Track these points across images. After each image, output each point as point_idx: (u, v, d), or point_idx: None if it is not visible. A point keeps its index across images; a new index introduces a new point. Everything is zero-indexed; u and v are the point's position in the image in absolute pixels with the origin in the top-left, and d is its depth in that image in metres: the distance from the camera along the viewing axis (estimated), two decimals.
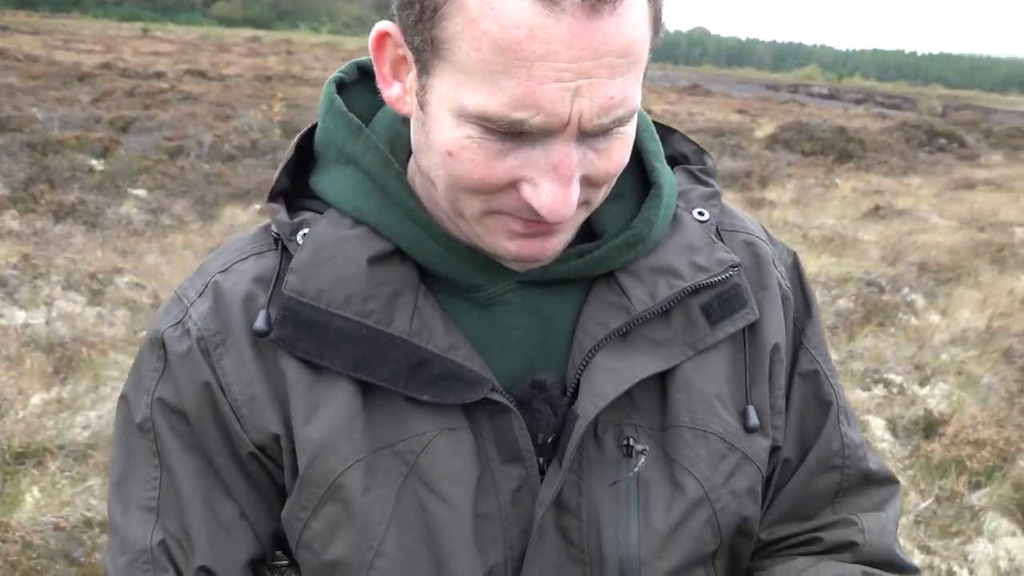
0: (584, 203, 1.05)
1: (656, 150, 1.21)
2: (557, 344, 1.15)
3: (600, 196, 1.07)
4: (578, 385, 1.12)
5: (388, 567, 1.08)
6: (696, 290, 1.16)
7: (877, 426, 5.72)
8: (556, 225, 1.04)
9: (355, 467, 1.08)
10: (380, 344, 1.08)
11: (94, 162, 12.43)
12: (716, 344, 1.17)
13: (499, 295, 1.14)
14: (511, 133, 0.96)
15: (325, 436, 1.08)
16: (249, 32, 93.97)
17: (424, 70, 1.00)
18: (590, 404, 1.10)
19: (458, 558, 1.09)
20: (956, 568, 4.22)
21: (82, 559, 3.61)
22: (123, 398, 1.18)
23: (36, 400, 5.32)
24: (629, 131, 1.03)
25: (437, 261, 1.12)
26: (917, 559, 4.28)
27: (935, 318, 8.12)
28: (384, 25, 1.05)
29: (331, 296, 1.09)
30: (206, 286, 1.16)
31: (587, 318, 1.14)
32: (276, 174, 1.18)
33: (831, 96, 58.94)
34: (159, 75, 27.35)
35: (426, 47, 0.98)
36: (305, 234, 1.12)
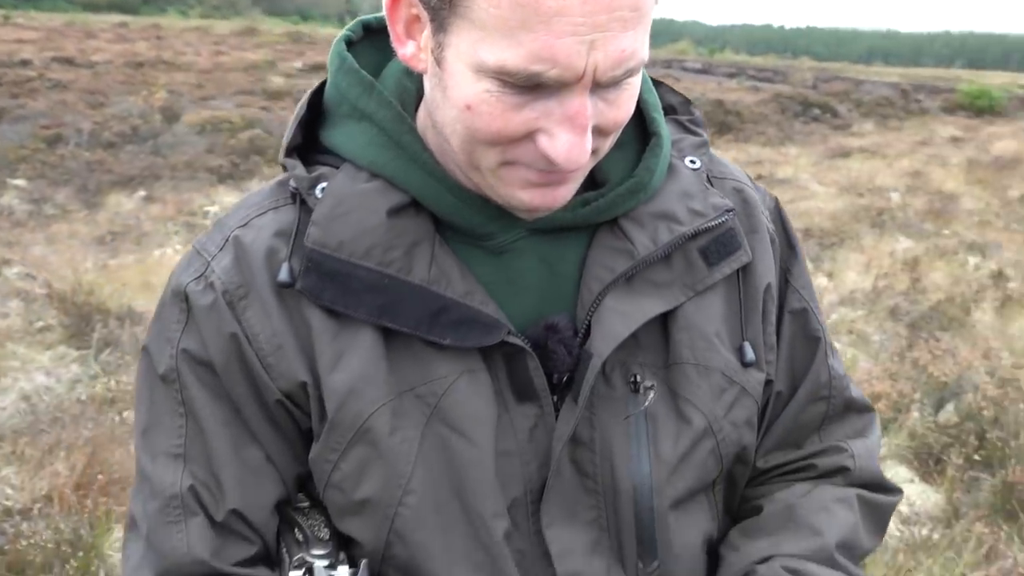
0: (593, 152, 1.09)
1: (654, 101, 1.26)
2: (565, 288, 1.19)
3: (607, 145, 1.12)
4: (589, 326, 1.17)
5: (416, 503, 1.12)
6: (694, 234, 1.21)
7: None
8: (568, 174, 1.08)
9: (382, 410, 1.12)
10: (401, 292, 1.11)
11: None
12: (713, 285, 1.23)
13: (510, 243, 1.18)
14: (528, 86, 1.00)
15: (352, 382, 1.11)
16: (116, 17, 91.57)
17: (441, 28, 1.03)
18: (603, 343, 1.15)
19: (482, 493, 1.13)
20: None
21: (6, 547, 3.55)
22: (145, 350, 1.20)
23: None
24: (636, 82, 1.07)
25: (451, 211, 1.15)
26: None
27: (823, 280, 8.38)
28: None
29: (353, 247, 1.11)
30: (226, 241, 1.18)
31: (594, 263, 1.19)
32: (290, 130, 1.20)
33: (704, 71, 59.73)
34: (25, 63, 26.51)
35: (443, 5, 1.01)
36: (324, 188, 1.15)
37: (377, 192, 1.14)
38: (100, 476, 4.04)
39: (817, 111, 23.05)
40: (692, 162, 1.27)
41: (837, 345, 6.24)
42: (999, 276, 8.62)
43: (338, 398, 1.12)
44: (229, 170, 12.29)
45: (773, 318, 1.30)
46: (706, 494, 1.26)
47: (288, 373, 1.14)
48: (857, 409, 1.39)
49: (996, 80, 43.99)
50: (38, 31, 50.31)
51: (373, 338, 1.12)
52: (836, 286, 8.15)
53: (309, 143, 1.22)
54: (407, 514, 1.13)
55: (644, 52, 1.03)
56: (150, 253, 8.65)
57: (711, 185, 1.28)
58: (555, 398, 1.17)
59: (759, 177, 13.29)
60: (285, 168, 1.21)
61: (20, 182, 10.70)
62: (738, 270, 1.25)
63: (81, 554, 3.56)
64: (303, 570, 1.14)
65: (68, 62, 28.13)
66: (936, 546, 4.10)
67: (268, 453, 1.17)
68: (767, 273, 1.28)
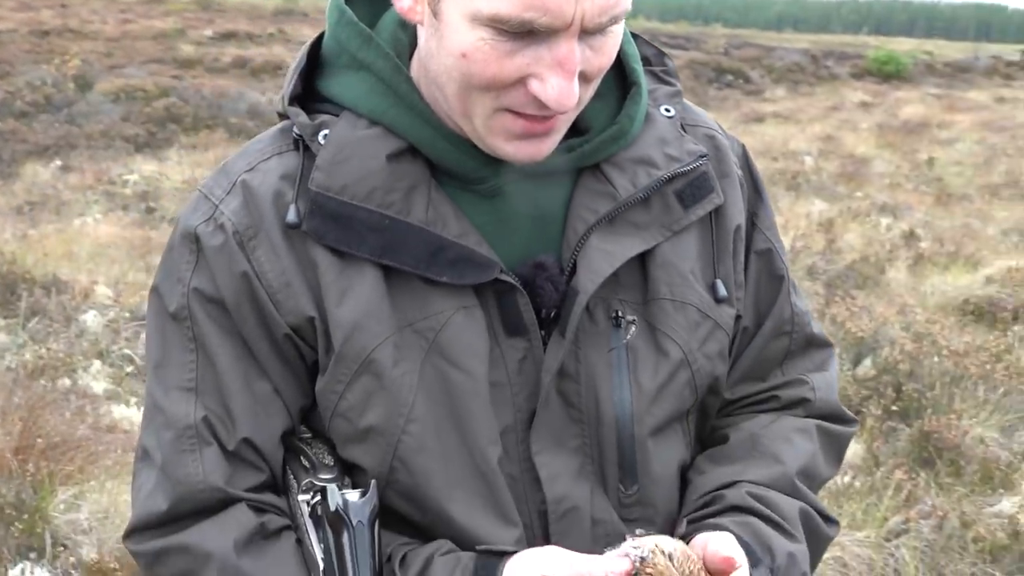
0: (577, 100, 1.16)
1: (633, 52, 1.33)
2: (552, 229, 1.27)
3: (589, 93, 1.20)
4: (575, 265, 1.25)
5: (419, 431, 1.21)
6: (670, 178, 1.30)
7: None
8: (552, 122, 1.17)
9: (385, 344, 1.19)
10: (401, 232, 1.19)
11: None
12: (688, 226, 1.32)
13: (500, 187, 1.26)
14: (520, 33, 1.08)
15: (357, 316, 1.19)
16: None
17: None
18: (588, 280, 1.23)
19: (477, 422, 1.22)
20: None
21: None
22: (154, 290, 1.26)
23: None
24: (619, 30, 1.16)
25: (446, 157, 1.23)
26: None
27: None
28: None
29: (355, 190, 1.19)
30: (233, 184, 1.24)
31: (578, 205, 1.27)
32: (290, 80, 1.26)
33: None
34: None
35: None
36: (326, 135, 1.22)
37: (377, 138, 1.21)
38: (39, 440, 4.04)
39: (730, 77, 23.35)
40: (667, 110, 1.35)
41: None
42: (911, 236, 8.90)
43: (344, 331, 1.19)
44: (146, 139, 12.16)
45: (742, 257, 1.38)
46: (680, 423, 1.35)
47: (296, 308, 1.21)
48: (818, 344, 1.49)
49: (902, 47, 44.89)
50: None
51: (375, 276, 1.20)
52: None
53: (307, 93, 1.28)
54: (409, 441, 1.21)
55: (627, 1, 1.11)
56: (70, 223, 8.56)
57: (685, 132, 1.36)
58: (543, 332, 1.25)
59: None
60: (282, 117, 1.28)
61: None
62: (711, 212, 1.34)
63: (26, 517, 3.57)
64: (312, 493, 1.21)
65: None
66: (858, 492, 4.27)
67: (276, 386, 1.24)
68: (737, 215, 1.37)
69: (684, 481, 1.38)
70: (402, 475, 1.22)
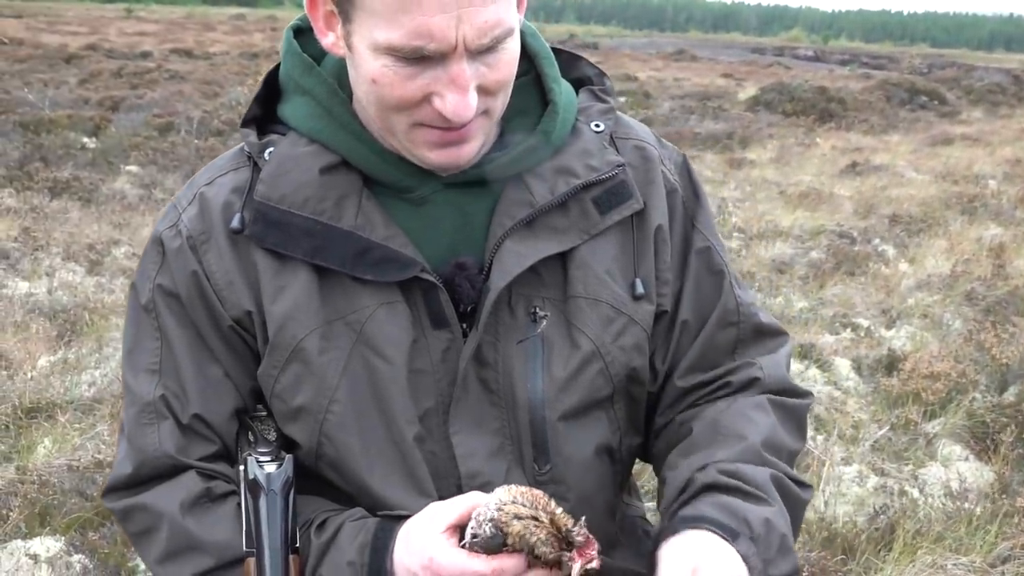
0: (484, 112, 1.35)
1: (553, 74, 1.50)
2: (477, 234, 1.45)
3: (498, 105, 1.37)
4: (492, 265, 1.42)
5: (341, 410, 1.40)
6: (588, 185, 1.45)
7: (843, 366, 6.01)
8: (464, 131, 1.34)
9: (313, 334, 1.39)
10: (332, 236, 1.38)
11: (86, 140, 12.68)
12: (607, 230, 1.47)
13: (428, 195, 1.44)
14: (416, 59, 1.26)
15: (288, 310, 1.39)
16: (234, 10, 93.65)
17: (347, 19, 1.30)
18: (499, 278, 1.40)
19: (396, 403, 1.40)
20: (908, 488, 4.52)
21: (94, 495, 3.90)
22: (132, 286, 1.50)
23: (43, 362, 5.60)
24: (512, 47, 1.33)
25: (376, 169, 1.42)
26: (871, 481, 4.58)
27: (904, 266, 8.42)
28: None
29: (292, 199, 1.39)
30: (194, 196, 1.47)
31: (500, 212, 1.44)
32: (249, 104, 1.49)
33: (816, 58, 58.94)
34: (145, 55, 27.47)
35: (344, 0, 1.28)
36: (271, 152, 1.43)
37: (312, 154, 1.41)
38: None
39: (924, 98, 22.68)
40: (596, 126, 1.51)
41: (908, 328, 6.35)
42: None
43: (277, 323, 1.40)
44: None
45: (666, 257, 1.52)
46: (604, 410, 1.49)
47: (237, 303, 1.42)
48: (769, 334, 1.61)
49: None
50: (159, 24, 51.83)
51: (308, 276, 1.40)
52: (915, 271, 8.18)
53: (269, 116, 1.49)
54: (333, 419, 1.40)
55: (510, 21, 1.29)
56: None
57: (614, 145, 1.51)
58: (464, 325, 1.42)
59: (853, 165, 13.27)
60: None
61: (133, 168, 11.22)
62: (632, 217, 1.48)
63: None
64: (244, 464, 1.42)
65: (186, 54, 29.03)
66: (978, 518, 4.22)
67: (226, 369, 1.46)
68: (659, 217, 1.50)
69: (615, 463, 1.52)
70: (328, 449, 1.42)
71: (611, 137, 1.53)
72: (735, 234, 9.43)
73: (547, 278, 1.45)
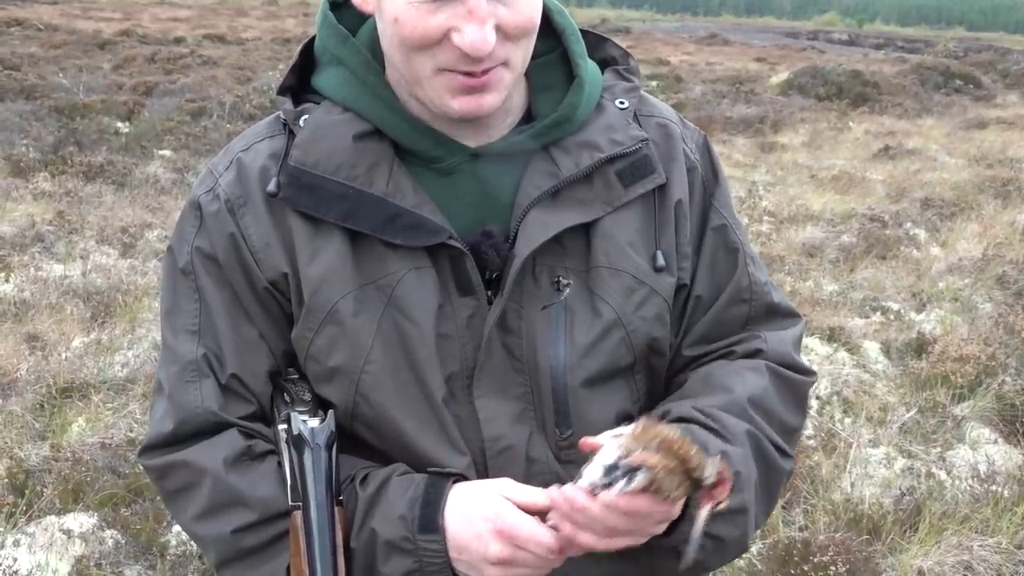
0: (505, 64, 1.37)
1: (580, 50, 1.53)
2: (503, 205, 1.48)
3: (518, 56, 1.39)
4: (517, 233, 1.45)
5: (376, 370, 1.43)
6: (612, 159, 1.49)
7: (872, 349, 6.01)
8: (485, 78, 1.37)
9: (347, 297, 1.43)
10: (363, 201, 1.42)
11: (120, 125, 12.79)
12: (630, 203, 1.49)
13: (456, 166, 1.47)
14: None
15: (323, 273, 1.43)
16: None
17: None
18: (524, 245, 1.43)
19: (424, 364, 1.43)
20: (935, 471, 4.52)
21: (127, 472, 3.97)
22: (169, 249, 1.54)
23: (77, 343, 5.69)
24: None
25: (407, 138, 1.46)
26: (899, 463, 4.59)
27: (935, 250, 8.39)
28: None
29: (325, 165, 1.43)
30: (231, 162, 1.51)
31: (526, 183, 1.47)
32: (285, 74, 1.53)
33: (851, 42, 58.53)
34: (178, 41, 27.63)
35: None
36: (306, 119, 1.46)
37: (346, 122, 1.45)
38: None
39: (959, 82, 22.48)
40: (621, 103, 1.54)
41: (938, 312, 6.34)
42: None
43: (312, 286, 1.43)
44: None
45: (687, 232, 1.55)
46: (625, 379, 1.52)
47: (274, 265, 1.45)
48: (781, 313, 1.64)
49: None
50: (192, 10, 51.96)
51: (342, 241, 1.43)
52: (947, 255, 8.15)
53: (304, 86, 1.53)
54: (368, 379, 1.44)
55: None
56: None
57: (637, 122, 1.54)
58: (489, 293, 1.46)
59: (886, 149, 13.20)
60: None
61: (166, 152, 11.32)
62: (655, 191, 1.52)
63: None
64: (285, 422, 1.45)
65: (219, 39, 29.18)
66: (1007, 500, 4.22)
67: (260, 331, 1.49)
68: (680, 192, 1.54)
69: None
70: (364, 408, 1.45)
71: (635, 114, 1.56)
72: (765, 218, 9.42)
73: (570, 249, 1.48)
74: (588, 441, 1.30)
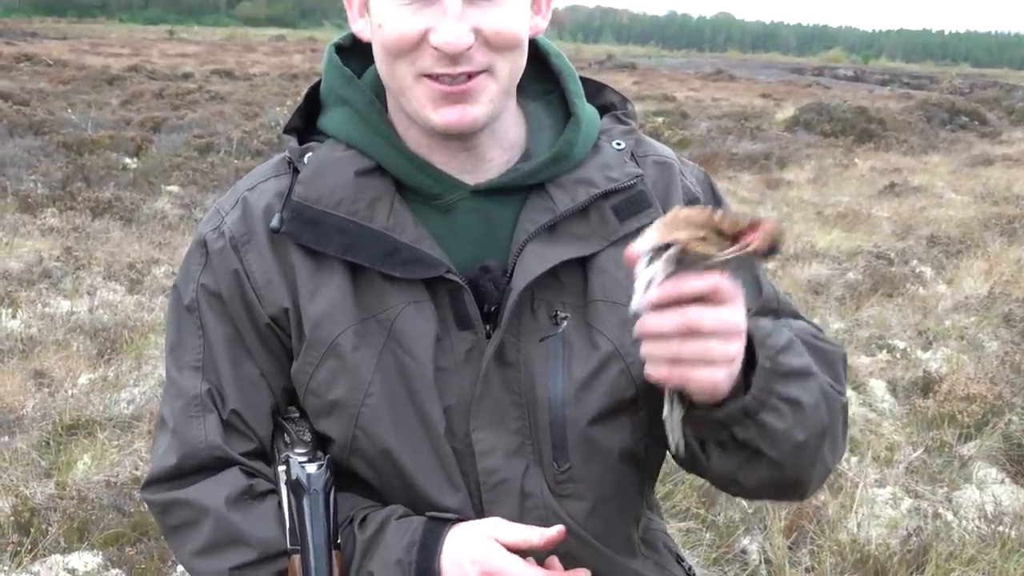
0: (488, 71, 1.40)
1: (576, 90, 1.58)
2: (501, 241, 1.51)
3: (503, 67, 1.42)
4: (515, 267, 1.48)
5: (375, 403, 1.45)
6: (607, 194, 1.52)
7: (878, 387, 6.00)
8: (466, 87, 1.39)
9: (347, 331, 1.45)
10: (363, 235, 1.45)
11: (128, 161, 12.85)
12: (626, 236, 1.49)
13: (456, 202, 1.51)
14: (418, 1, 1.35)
15: (325, 309, 1.46)
16: (274, 31, 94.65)
17: None
18: (520, 279, 1.46)
19: (424, 397, 1.45)
20: (942, 511, 4.50)
21: (132, 510, 3.97)
22: (174, 287, 1.57)
23: (83, 379, 5.69)
24: (512, 5, 1.39)
25: (407, 175, 1.49)
26: (905, 503, 4.57)
27: (942, 288, 8.38)
28: None
29: (327, 200, 1.46)
30: (237, 201, 1.54)
31: (524, 219, 1.50)
32: (291, 116, 1.57)
33: (856, 78, 58.79)
34: (186, 76, 27.82)
35: None
36: (309, 156, 1.50)
37: (348, 158, 1.49)
38: None
39: (965, 119, 22.56)
40: (618, 144, 1.58)
41: (945, 350, 6.33)
42: None
43: (313, 321, 1.46)
44: None
45: None
46: (628, 414, 1.52)
47: (275, 301, 1.48)
48: (807, 319, 1.63)
49: None
50: (200, 45, 52.45)
51: (343, 276, 1.46)
52: (953, 293, 8.15)
53: (310, 127, 1.58)
54: (368, 412, 1.46)
55: None
56: None
57: (634, 161, 1.58)
58: (487, 327, 1.48)
59: (891, 185, 13.23)
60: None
61: (173, 188, 11.36)
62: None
63: None
64: (284, 464, 1.48)
65: (227, 75, 29.34)
66: (1014, 541, 4.20)
67: (261, 368, 1.52)
68: None
69: (638, 469, 1.56)
70: (363, 442, 1.47)
71: (631, 154, 1.59)
72: None
73: (568, 284, 1.50)
74: (631, 252, 1.25)
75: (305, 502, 1.43)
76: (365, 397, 1.45)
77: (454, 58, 1.36)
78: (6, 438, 4.89)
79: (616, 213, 1.52)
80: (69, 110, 16.62)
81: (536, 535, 1.37)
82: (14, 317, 6.70)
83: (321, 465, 1.45)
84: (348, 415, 1.46)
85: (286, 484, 1.47)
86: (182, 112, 17.55)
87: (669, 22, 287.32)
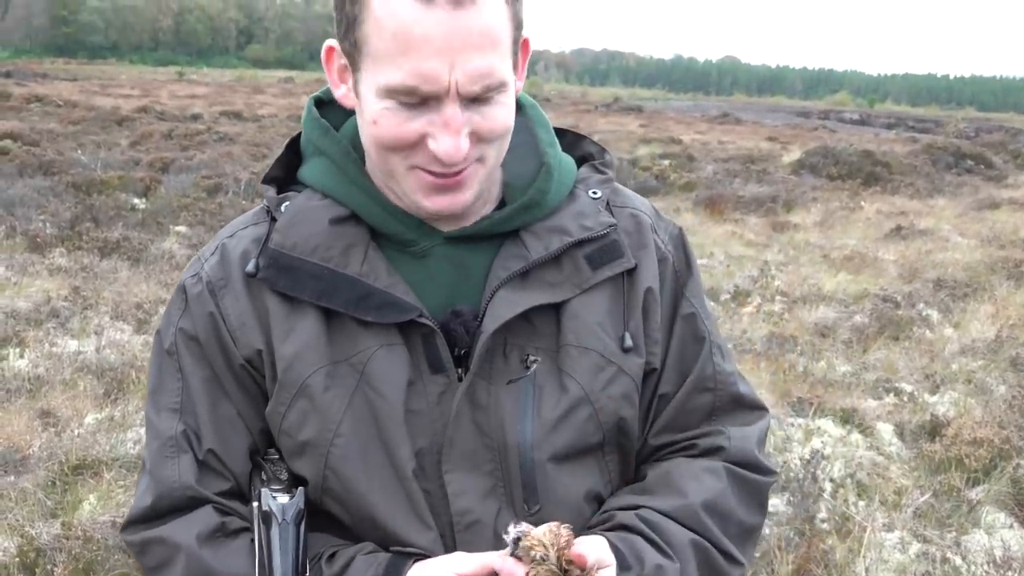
0: (480, 160, 1.44)
1: (549, 139, 1.61)
2: (474, 287, 1.53)
3: (492, 154, 1.46)
4: (486, 311, 1.50)
5: (345, 444, 1.48)
6: (581, 243, 1.54)
7: (886, 431, 5.99)
8: (459, 177, 1.43)
9: (318, 372, 1.48)
10: (337, 281, 1.48)
11: (136, 201, 12.93)
12: (599, 285, 1.55)
13: (429, 249, 1.53)
14: (414, 104, 1.37)
15: (297, 350, 1.48)
16: (283, 73, 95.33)
17: (355, 68, 1.42)
18: (491, 322, 1.48)
19: (394, 439, 1.47)
20: (951, 556, 4.48)
21: None
22: (157, 333, 1.60)
23: (90, 419, 5.70)
24: (505, 101, 1.42)
25: (382, 223, 1.52)
26: (913, 548, 4.55)
27: (948, 331, 8.38)
28: (330, 42, 1.48)
29: (303, 247, 1.49)
30: (216, 247, 1.58)
31: (497, 265, 1.53)
32: (271, 165, 1.60)
33: (862, 122, 59.01)
34: (196, 117, 28.02)
35: (353, 50, 1.40)
36: (286, 205, 1.53)
37: (323, 207, 1.52)
38: None
39: (970, 162, 22.64)
40: (594, 193, 1.61)
41: (952, 394, 6.32)
42: None
43: (286, 362, 1.49)
44: None
45: (656, 318, 1.60)
46: (595, 458, 1.56)
47: (249, 343, 1.51)
48: (747, 406, 1.68)
49: None
50: (209, 86, 52.79)
51: (316, 319, 1.49)
52: (960, 336, 8.14)
53: (290, 178, 1.60)
54: (337, 452, 1.48)
55: (502, 73, 1.39)
56: None
57: (609, 211, 1.61)
58: (460, 370, 1.50)
59: (898, 229, 13.26)
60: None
61: (181, 228, 11.42)
62: (624, 275, 1.57)
63: None
64: (257, 499, 1.49)
65: (236, 116, 29.56)
66: None
67: (238, 409, 1.54)
68: (650, 279, 1.59)
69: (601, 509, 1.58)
70: (333, 482, 1.49)
71: (607, 204, 1.62)
72: (777, 297, 9.43)
73: (540, 329, 1.53)
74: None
75: (274, 531, 1.45)
76: (334, 437, 1.48)
77: (451, 164, 1.40)
78: (12, 477, 4.90)
79: (589, 261, 1.55)
80: (79, 150, 16.74)
81: (497, 558, 1.38)
82: (22, 356, 6.72)
83: (292, 497, 1.48)
84: (318, 455, 1.49)
85: (258, 517, 1.48)
86: (191, 153, 17.67)
87: (675, 65, 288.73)
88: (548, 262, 1.53)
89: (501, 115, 1.42)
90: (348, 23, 1.40)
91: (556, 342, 1.53)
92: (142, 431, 5.41)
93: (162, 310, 7.72)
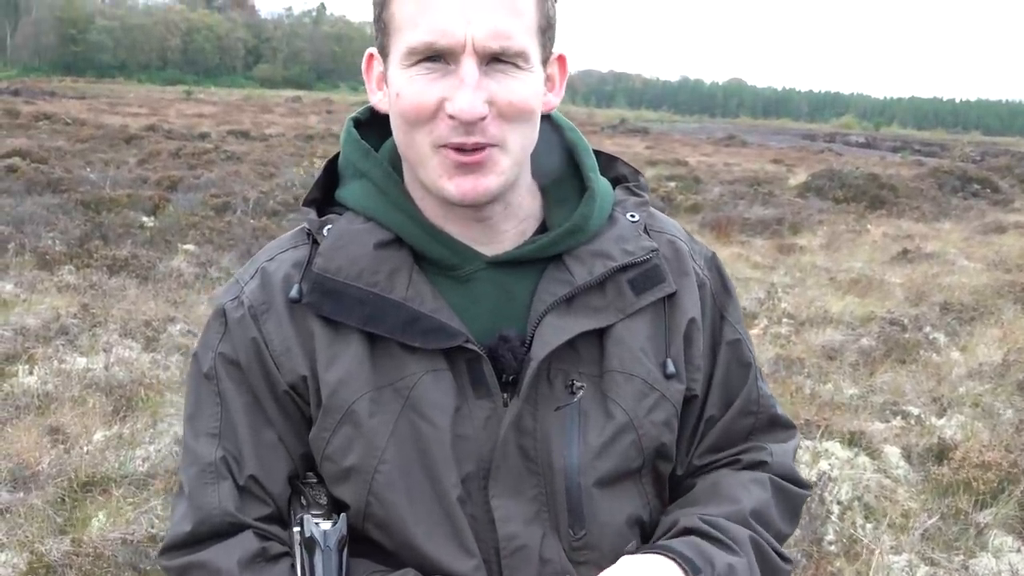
0: (500, 146, 1.43)
1: (591, 164, 1.62)
2: (519, 311, 1.54)
3: (515, 140, 1.45)
4: (533, 338, 1.51)
5: (389, 470, 1.47)
6: (624, 268, 1.55)
7: (893, 454, 5.98)
8: (479, 157, 1.42)
9: (363, 398, 1.48)
10: (383, 306, 1.48)
11: (145, 219, 12.97)
12: (642, 310, 1.56)
13: (473, 273, 1.54)
14: (432, 60, 1.39)
15: (342, 376, 1.48)
16: (290, 92, 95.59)
17: (386, 54, 1.45)
18: (539, 349, 1.49)
19: (440, 465, 1.47)
20: None
21: (147, 568, 3.97)
22: (194, 356, 1.59)
23: (99, 436, 5.71)
24: (527, 79, 1.43)
25: (425, 247, 1.52)
26: (921, 571, 4.56)
27: (955, 355, 8.38)
28: (370, 49, 1.50)
29: (347, 272, 1.49)
30: (256, 271, 1.57)
31: (542, 290, 1.53)
32: (311, 188, 1.61)
33: (868, 145, 59.08)
34: (203, 136, 28.10)
35: (383, 35, 1.44)
36: (329, 228, 1.53)
37: (368, 231, 1.52)
38: None
39: (977, 186, 22.63)
40: (632, 216, 1.62)
41: (959, 417, 6.32)
42: None
43: (330, 388, 1.48)
44: None
45: (699, 345, 1.61)
46: (634, 482, 1.57)
47: (293, 369, 1.51)
48: (782, 425, 1.72)
49: None
50: (217, 105, 52.94)
51: (360, 344, 1.49)
52: (967, 360, 8.14)
53: (329, 200, 1.61)
54: (381, 479, 1.48)
55: (522, 41, 1.41)
56: None
57: (647, 234, 1.62)
58: (506, 395, 1.51)
59: (904, 252, 13.27)
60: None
61: (189, 247, 11.44)
62: (664, 300, 1.59)
63: None
64: (298, 525, 1.48)
65: (243, 135, 29.63)
66: None
67: (279, 434, 1.54)
68: (692, 308, 1.61)
69: (645, 536, 1.59)
70: (376, 508, 1.49)
71: (645, 227, 1.63)
72: (784, 320, 9.44)
73: (584, 354, 1.54)
74: None
75: (317, 558, 1.44)
76: (379, 463, 1.47)
77: (468, 127, 1.39)
78: (21, 494, 4.91)
79: (632, 287, 1.56)
80: (87, 168, 16.80)
81: None
82: (31, 373, 6.75)
83: (335, 523, 1.46)
84: (362, 481, 1.48)
85: (299, 544, 1.47)
86: (199, 171, 17.71)
87: (682, 87, 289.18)
88: (592, 287, 1.53)
89: (520, 89, 1.42)
90: (378, 11, 1.43)
91: (600, 368, 1.54)
92: (151, 448, 5.45)
93: (171, 328, 7.84)
